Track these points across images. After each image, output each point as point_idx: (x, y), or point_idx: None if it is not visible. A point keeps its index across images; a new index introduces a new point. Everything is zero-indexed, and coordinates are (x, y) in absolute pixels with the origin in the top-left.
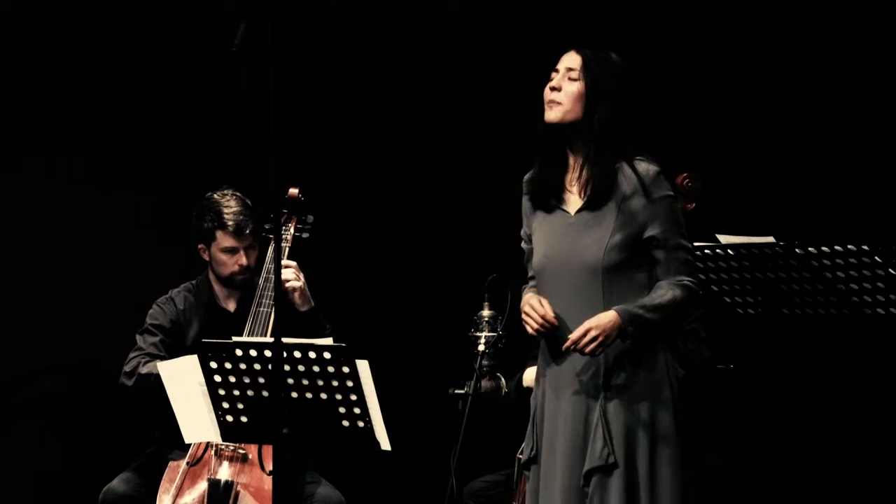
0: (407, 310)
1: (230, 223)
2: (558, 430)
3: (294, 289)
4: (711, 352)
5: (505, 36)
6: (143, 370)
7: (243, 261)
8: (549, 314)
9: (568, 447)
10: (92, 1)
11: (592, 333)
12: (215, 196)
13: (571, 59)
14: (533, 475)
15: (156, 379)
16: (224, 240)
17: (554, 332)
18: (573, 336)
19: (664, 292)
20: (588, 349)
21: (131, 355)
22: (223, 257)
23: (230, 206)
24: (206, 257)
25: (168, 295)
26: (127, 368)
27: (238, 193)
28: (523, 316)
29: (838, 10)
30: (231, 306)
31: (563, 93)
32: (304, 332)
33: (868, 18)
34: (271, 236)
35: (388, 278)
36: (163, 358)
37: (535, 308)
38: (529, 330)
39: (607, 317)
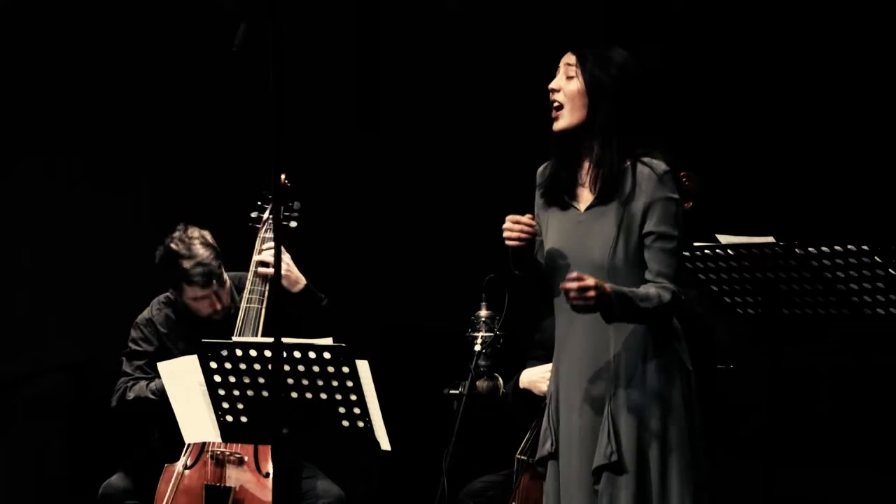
0: (405, 311)
1: (196, 278)
2: (574, 425)
3: (269, 275)
4: (707, 308)
5: (505, 36)
6: (130, 395)
7: (217, 305)
8: (524, 218)
9: (583, 443)
10: (92, 1)
11: (589, 282)
12: (176, 246)
13: (568, 58)
14: (551, 471)
15: (141, 401)
16: (191, 292)
17: (562, 307)
18: (573, 275)
19: (651, 288)
20: (575, 295)
21: (119, 382)
22: (195, 305)
23: (195, 256)
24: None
25: (147, 316)
26: (115, 397)
27: (199, 233)
28: (505, 238)
29: (837, 9)
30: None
31: (562, 93)
32: (301, 310)
33: (867, 18)
34: (258, 226)
35: (387, 280)
36: (150, 378)
37: (509, 221)
38: (512, 244)
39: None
